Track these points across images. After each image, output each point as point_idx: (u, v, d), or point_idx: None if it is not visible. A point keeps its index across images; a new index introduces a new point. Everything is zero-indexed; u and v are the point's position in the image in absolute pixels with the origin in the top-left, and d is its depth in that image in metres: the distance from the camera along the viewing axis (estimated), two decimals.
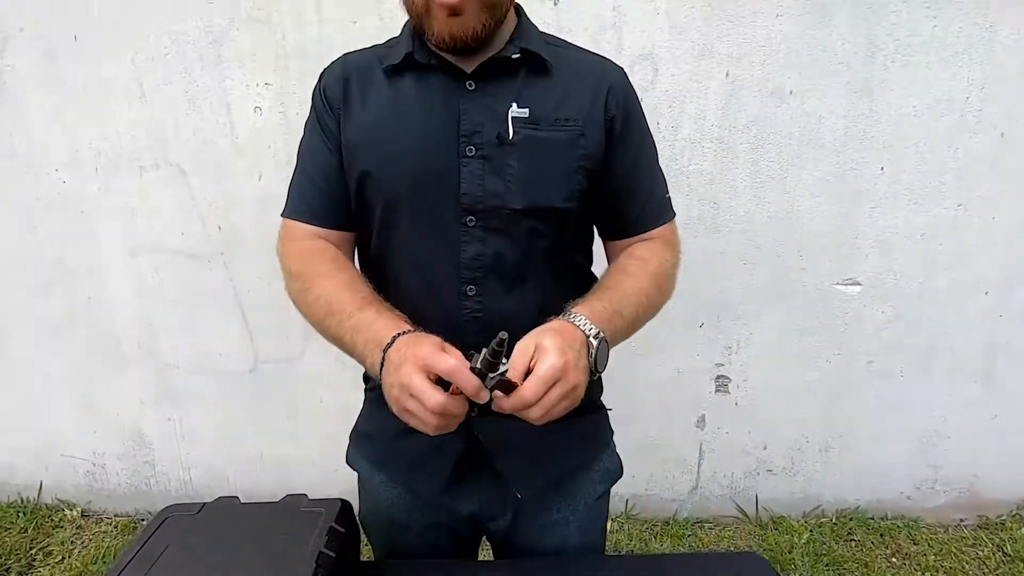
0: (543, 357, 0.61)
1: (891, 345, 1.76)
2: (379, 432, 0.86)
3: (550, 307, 0.73)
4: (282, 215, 0.81)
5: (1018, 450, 1.85)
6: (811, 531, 1.85)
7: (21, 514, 1.99)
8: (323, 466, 1.94)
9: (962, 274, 1.69)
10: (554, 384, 0.60)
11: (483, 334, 0.72)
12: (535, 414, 0.61)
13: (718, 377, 1.81)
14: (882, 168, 1.62)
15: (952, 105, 1.56)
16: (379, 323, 0.67)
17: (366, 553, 0.99)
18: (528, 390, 0.60)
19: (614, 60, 0.83)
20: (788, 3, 1.51)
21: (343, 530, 0.74)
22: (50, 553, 1.85)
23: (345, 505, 0.77)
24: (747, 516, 1.93)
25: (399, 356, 0.61)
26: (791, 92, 1.57)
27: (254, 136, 1.65)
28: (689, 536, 1.86)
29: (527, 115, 0.73)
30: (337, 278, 0.74)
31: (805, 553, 1.76)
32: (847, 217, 1.66)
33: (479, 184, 0.72)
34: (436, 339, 0.63)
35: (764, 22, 1.52)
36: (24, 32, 1.62)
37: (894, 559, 1.76)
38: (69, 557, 1.84)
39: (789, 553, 1.76)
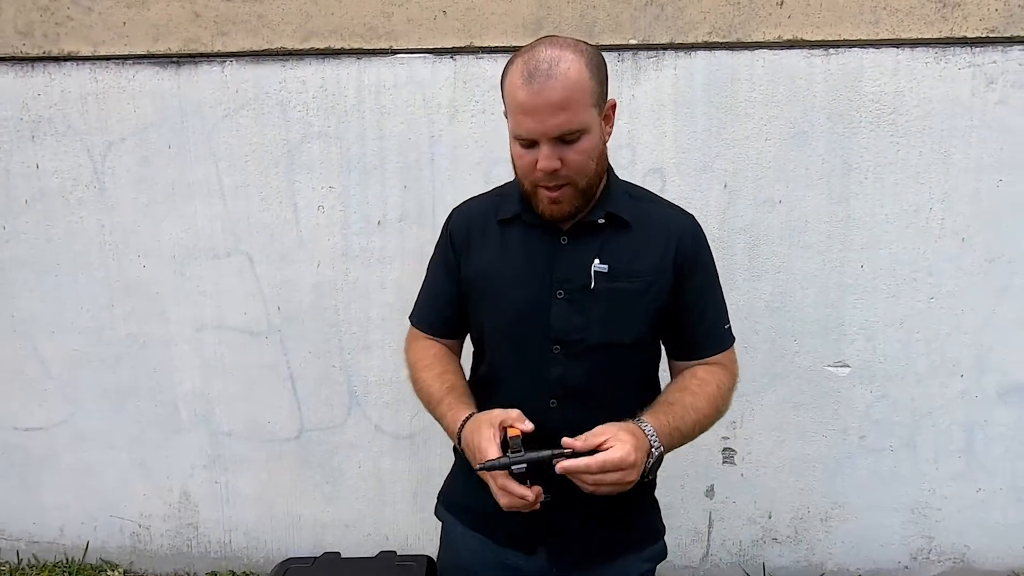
0: (619, 445, 0.80)
1: (880, 422, 1.95)
2: (463, 488, 1.06)
3: (617, 418, 0.91)
4: (409, 318, 1.09)
5: (1004, 522, 2.00)
6: None
7: (67, 573, 2.10)
8: (357, 530, 2.08)
9: (938, 358, 1.91)
10: (615, 470, 0.79)
11: (562, 436, 0.92)
12: (588, 481, 0.80)
13: (725, 449, 1.98)
14: (862, 265, 1.87)
15: (918, 214, 1.83)
16: (456, 411, 0.91)
17: None
18: (595, 461, 0.78)
19: (682, 209, 1.04)
20: (775, 129, 1.80)
21: None
22: None
23: (431, 560, 0.95)
24: None
25: (472, 439, 0.85)
26: (780, 201, 1.84)
27: (315, 230, 1.90)
28: None
29: (607, 269, 0.92)
30: (433, 370, 0.98)
31: None
32: (834, 307, 1.89)
33: (565, 320, 0.91)
34: (489, 432, 0.83)
35: (755, 144, 1.81)
36: (125, 141, 1.90)
37: None
38: None
39: None
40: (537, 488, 0.82)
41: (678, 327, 0.99)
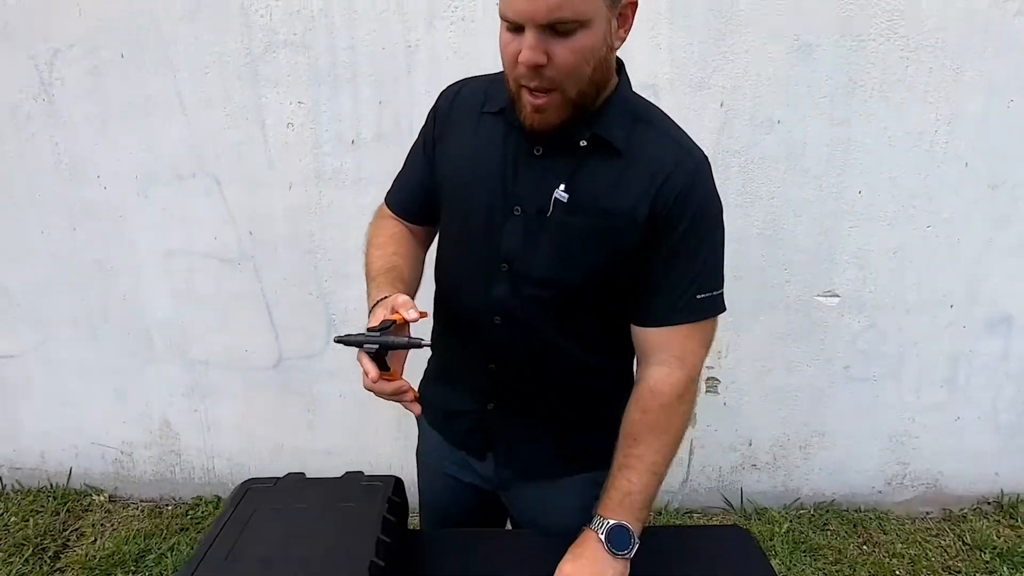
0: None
1: (865, 352, 1.93)
2: (425, 382, 1.06)
3: (558, 351, 0.87)
4: (385, 199, 1.02)
5: (978, 449, 2.03)
6: (791, 521, 2.01)
7: (52, 498, 2.11)
8: (339, 457, 2.08)
9: (929, 289, 1.87)
10: None
11: (502, 352, 0.89)
12: None
13: (709, 379, 1.97)
14: (859, 192, 1.79)
15: (923, 137, 1.73)
16: (379, 290, 0.84)
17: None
18: None
19: None
20: (777, 42, 1.67)
21: (399, 500, 0.89)
22: (83, 534, 1.97)
23: (398, 481, 0.92)
24: (733, 507, 2.09)
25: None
26: (779, 122, 1.73)
27: (285, 150, 1.79)
28: (679, 525, 2.02)
29: (566, 199, 0.79)
30: (384, 248, 0.93)
31: (785, 541, 1.92)
32: (827, 235, 1.83)
33: (514, 242, 0.83)
34: (380, 313, 0.77)
35: (756, 59, 1.68)
36: (73, 48, 1.74)
37: (865, 547, 1.93)
38: (101, 537, 1.96)
39: (770, 540, 1.93)
40: (401, 382, 0.76)
41: (634, 283, 0.84)
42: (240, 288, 1.92)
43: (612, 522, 0.81)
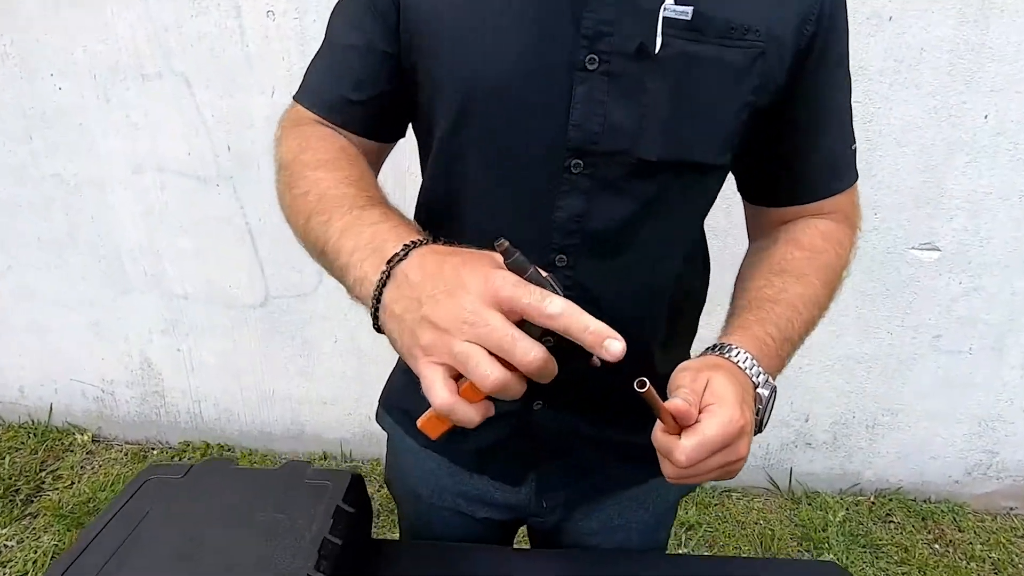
0: (717, 410, 0.46)
1: (963, 319, 1.58)
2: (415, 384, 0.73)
3: (655, 287, 0.58)
4: (294, 97, 0.62)
5: None
6: (847, 509, 1.74)
7: (32, 435, 1.96)
8: (336, 407, 1.87)
9: None
10: (720, 449, 0.46)
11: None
12: (673, 474, 0.47)
13: None
14: (986, 116, 1.39)
15: None
16: (383, 225, 0.47)
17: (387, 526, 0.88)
18: (690, 450, 0.45)
19: None
20: None
21: (352, 511, 0.62)
22: (59, 476, 1.82)
23: (355, 480, 0.65)
24: (779, 488, 1.82)
25: (441, 273, 0.42)
26: (890, 18, 1.33)
27: (265, 45, 1.47)
28: (716, 504, 1.76)
29: (689, 16, 0.49)
30: (340, 171, 0.53)
31: (841, 532, 1.65)
32: (935, 171, 1.45)
33: (598, 115, 0.51)
34: (496, 258, 0.43)
35: None
36: None
37: (936, 545, 1.65)
38: (78, 482, 1.81)
39: (823, 531, 1.66)
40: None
41: (781, 151, 0.59)
42: (219, 212, 1.65)
43: (771, 383, 0.53)
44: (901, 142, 1.43)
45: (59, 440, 1.96)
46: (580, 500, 0.70)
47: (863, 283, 1.56)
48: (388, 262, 0.44)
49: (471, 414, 0.40)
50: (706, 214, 0.64)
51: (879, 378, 1.67)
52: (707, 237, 0.68)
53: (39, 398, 2.00)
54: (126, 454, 1.94)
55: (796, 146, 0.60)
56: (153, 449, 1.97)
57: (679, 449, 0.46)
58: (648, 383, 0.43)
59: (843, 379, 1.68)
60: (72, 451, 1.93)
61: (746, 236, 0.71)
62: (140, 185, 1.65)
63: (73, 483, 1.81)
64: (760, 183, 0.64)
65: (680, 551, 1.58)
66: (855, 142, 0.62)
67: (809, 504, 1.76)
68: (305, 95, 0.61)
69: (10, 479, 1.79)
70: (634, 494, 0.71)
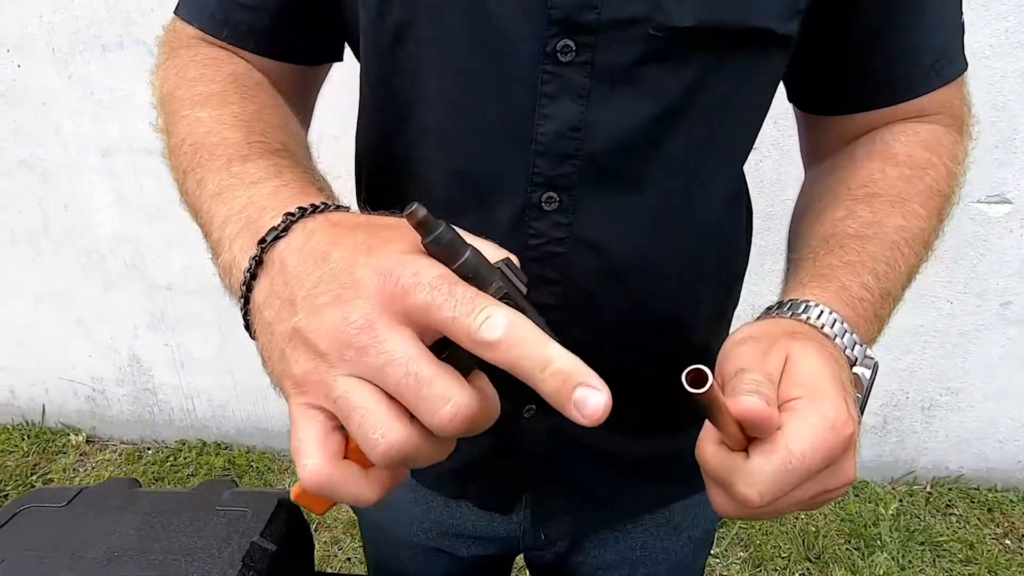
0: (810, 409, 0.29)
1: None
2: None
3: (689, 237, 0.41)
4: (174, 11, 0.47)
5: None
6: (900, 500, 1.55)
7: (25, 437, 1.89)
8: None
9: None
10: (824, 467, 0.29)
11: (551, 284, 0.41)
12: (734, 511, 0.31)
13: None
14: None
15: None
16: (267, 185, 0.33)
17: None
18: (769, 480, 0.28)
19: None
20: None
21: (272, 547, 0.48)
22: (50, 480, 1.74)
23: (282, 505, 0.50)
24: None
25: (328, 260, 0.27)
26: None
27: None
28: None
29: None
30: (226, 108, 0.39)
31: (894, 527, 1.47)
32: (1006, 109, 1.23)
33: None
34: (410, 234, 0.27)
35: None
36: None
37: (1008, 540, 1.45)
38: (69, 485, 1.72)
39: (874, 527, 1.48)
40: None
41: (857, 15, 0.41)
42: None
43: (871, 356, 0.36)
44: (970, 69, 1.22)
45: (52, 441, 1.88)
46: (589, 529, 0.54)
47: None
48: (260, 241, 0.29)
49: (362, 490, 0.26)
50: (758, 128, 0.45)
51: (937, 353, 1.47)
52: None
53: (30, 399, 1.92)
54: (120, 455, 1.85)
55: (886, 15, 0.42)
56: (148, 449, 1.88)
57: (749, 478, 0.29)
58: (711, 376, 0.25)
59: (894, 355, 1.48)
60: (65, 453, 1.85)
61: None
62: (111, 169, 1.53)
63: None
64: (829, 78, 0.46)
65: (712, 552, 1.42)
66: (963, 15, 0.44)
67: (856, 496, 1.58)
68: (183, 3, 0.46)
69: (1, 484, 1.71)
70: (661, 518, 0.55)
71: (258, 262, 0.29)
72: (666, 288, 0.43)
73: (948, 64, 0.43)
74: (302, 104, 0.50)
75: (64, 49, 1.42)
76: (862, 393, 0.35)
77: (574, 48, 0.36)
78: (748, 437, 0.30)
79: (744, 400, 0.28)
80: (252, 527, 0.48)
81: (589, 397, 0.23)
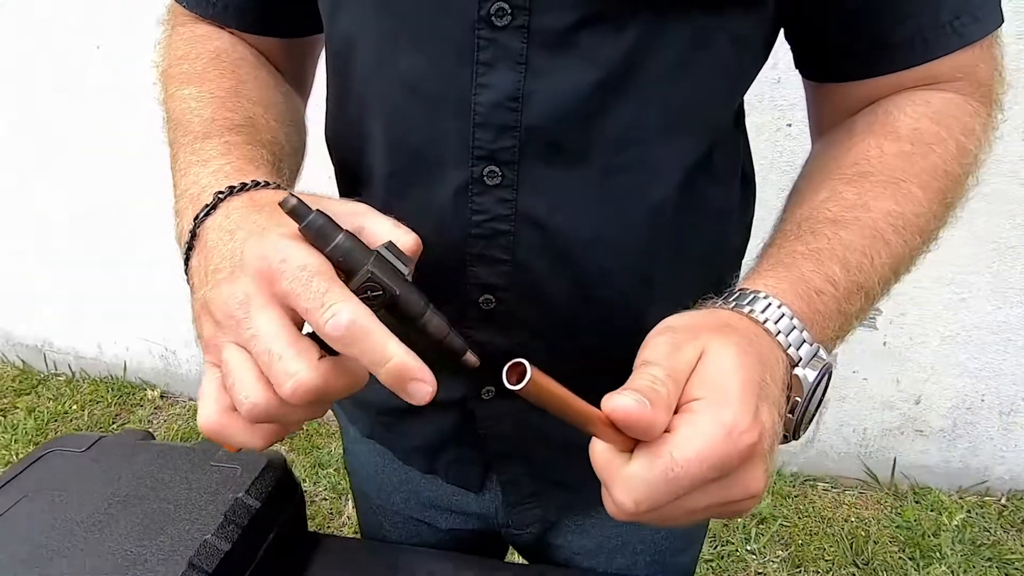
0: (705, 413, 0.27)
1: None
2: None
3: (646, 211, 0.38)
4: None
5: None
6: (968, 511, 1.42)
7: (110, 390, 2.08)
8: None
9: None
10: (708, 481, 0.27)
11: (497, 263, 0.39)
12: (616, 514, 0.29)
13: None
14: None
15: None
16: (214, 164, 0.36)
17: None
18: (642, 486, 0.27)
19: None
20: None
21: (256, 504, 0.50)
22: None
23: (271, 466, 0.52)
24: (878, 481, 1.53)
25: (232, 239, 0.31)
26: None
27: None
28: (797, 496, 1.51)
29: None
30: (205, 85, 0.41)
31: (957, 539, 1.35)
32: None
33: None
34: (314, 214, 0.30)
35: None
36: None
37: None
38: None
39: (934, 536, 1.37)
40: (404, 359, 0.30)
41: None
42: None
43: (821, 354, 0.33)
44: None
45: (132, 395, 2.07)
46: (559, 514, 0.53)
47: (998, 228, 1.22)
48: (195, 218, 0.34)
49: (248, 438, 0.31)
50: (736, 95, 0.42)
51: (1020, 352, 1.33)
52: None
53: (114, 355, 2.11)
54: (188, 410, 2.01)
55: None
56: None
57: (626, 483, 0.27)
58: (530, 369, 0.24)
59: (969, 353, 1.35)
60: (142, 406, 2.03)
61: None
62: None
63: None
64: (831, 39, 0.40)
65: (748, 548, 1.36)
66: None
67: (917, 502, 1.46)
68: None
69: (87, 430, 1.90)
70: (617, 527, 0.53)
71: (193, 235, 0.33)
72: (619, 272, 0.40)
73: (972, 21, 0.37)
74: (298, 75, 0.52)
75: None
76: (803, 395, 0.31)
77: (509, 11, 0.34)
78: (632, 439, 0.28)
79: (614, 400, 0.26)
80: (239, 484, 0.51)
81: (418, 390, 0.28)
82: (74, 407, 2.02)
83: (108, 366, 2.13)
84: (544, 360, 0.42)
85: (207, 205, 0.33)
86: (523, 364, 0.24)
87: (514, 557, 0.68)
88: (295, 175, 0.44)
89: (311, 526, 0.59)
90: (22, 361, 2.20)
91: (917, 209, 0.36)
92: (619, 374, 0.29)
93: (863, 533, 1.40)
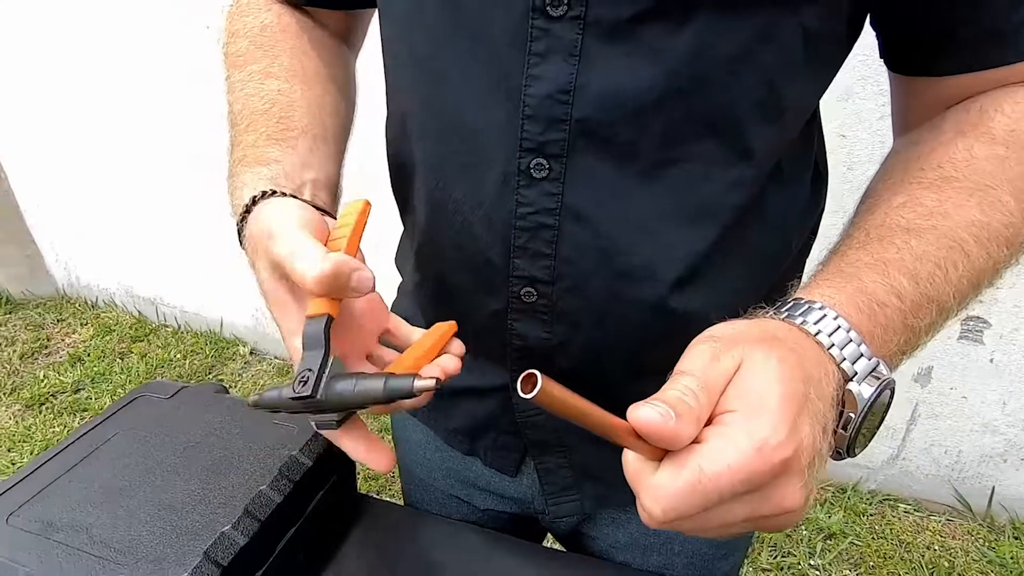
0: (737, 426, 0.26)
1: None
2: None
3: (706, 211, 0.37)
4: None
5: None
6: None
7: (208, 343, 2.28)
8: None
9: None
10: (737, 496, 0.26)
11: (541, 257, 0.39)
12: (648, 521, 0.28)
13: (969, 319, 1.23)
14: None
15: None
16: (259, 159, 0.40)
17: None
18: (669, 496, 0.26)
19: None
20: None
21: (309, 463, 0.53)
22: (220, 380, 2.09)
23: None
24: (971, 510, 1.39)
25: (253, 247, 0.38)
26: None
27: None
28: (873, 515, 1.41)
29: None
30: (248, 67, 0.44)
31: None
32: None
33: None
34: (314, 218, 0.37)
35: None
36: None
37: None
38: (233, 387, 2.06)
39: None
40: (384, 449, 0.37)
41: None
42: None
43: (881, 369, 0.30)
44: None
45: (226, 349, 2.26)
46: (595, 508, 0.53)
47: None
48: (252, 199, 0.40)
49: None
50: (804, 97, 0.38)
51: None
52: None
53: (213, 310, 2.30)
54: (274, 367, 2.17)
55: None
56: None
57: (654, 492, 0.26)
58: (541, 379, 0.24)
59: None
60: (234, 360, 2.21)
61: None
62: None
63: (230, 387, 2.06)
64: (922, 29, 0.36)
65: (812, 562, 1.29)
66: None
67: (1016, 538, 1.32)
68: None
69: (187, 377, 2.10)
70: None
71: (247, 210, 0.38)
72: (664, 272, 0.38)
73: None
74: (347, 37, 0.53)
75: None
76: (857, 412, 0.29)
77: (565, 1, 0.33)
78: (661, 449, 0.27)
79: (638, 411, 0.26)
80: (296, 442, 0.54)
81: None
82: (177, 356, 2.23)
83: (208, 322, 2.34)
84: (584, 357, 0.42)
85: (255, 197, 0.39)
86: (535, 375, 0.24)
87: (553, 543, 0.68)
88: (340, 130, 0.47)
89: (374, 487, 0.63)
90: (139, 312, 2.45)
91: (1006, 219, 0.33)
92: (664, 378, 0.28)
93: (946, 563, 1.28)
